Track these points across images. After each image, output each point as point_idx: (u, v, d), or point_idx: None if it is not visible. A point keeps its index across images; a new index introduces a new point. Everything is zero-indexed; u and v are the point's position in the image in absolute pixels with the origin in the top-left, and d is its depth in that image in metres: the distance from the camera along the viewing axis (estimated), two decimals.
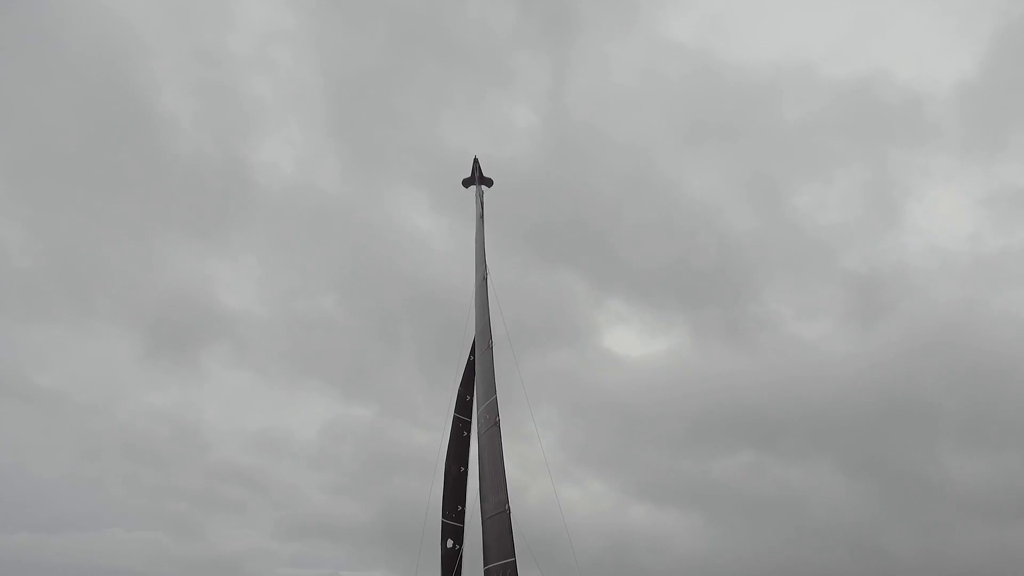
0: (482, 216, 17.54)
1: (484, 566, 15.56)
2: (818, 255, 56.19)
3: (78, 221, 55.22)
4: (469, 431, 17.26)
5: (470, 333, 17.36)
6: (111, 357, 56.90)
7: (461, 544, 17.01)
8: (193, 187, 55.73)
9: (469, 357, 17.40)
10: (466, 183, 19.20)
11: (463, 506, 17.15)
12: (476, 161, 18.91)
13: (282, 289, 58.29)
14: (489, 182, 18.83)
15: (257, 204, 56.60)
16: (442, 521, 17.01)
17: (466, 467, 17.18)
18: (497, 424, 14.68)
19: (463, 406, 17.47)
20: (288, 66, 60.83)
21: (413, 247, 55.05)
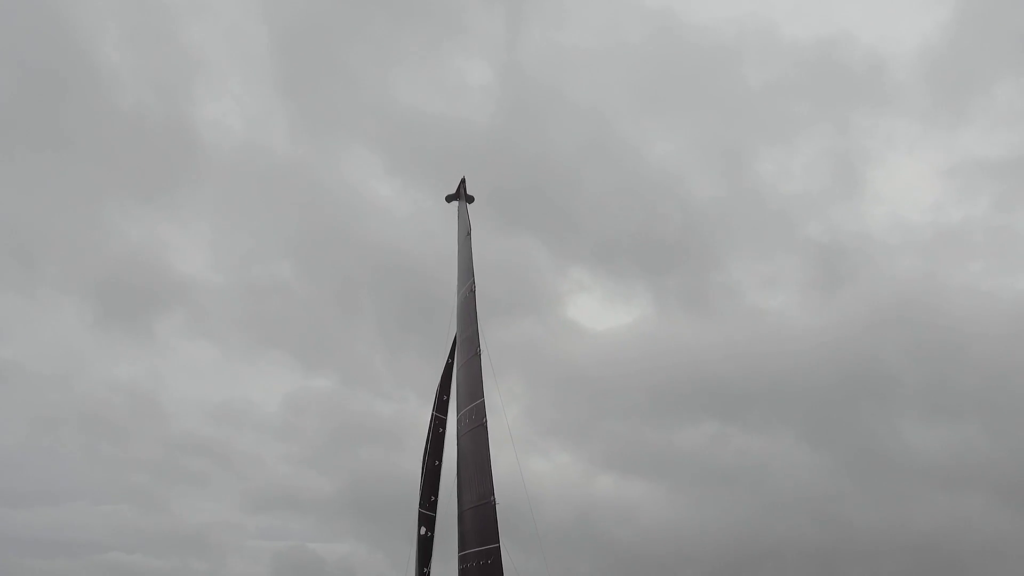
0: (468, 233, 18.65)
1: (459, 552, 16.96)
2: (780, 224, 54.69)
3: (19, 182, 49.76)
4: (445, 428, 18.63)
5: (449, 337, 18.65)
6: (63, 326, 52.54)
7: (433, 531, 18.36)
8: (136, 146, 51.15)
9: (448, 360, 18.68)
10: (449, 199, 20.29)
11: (436, 497, 18.49)
12: (463, 181, 20.02)
13: (236, 255, 55.28)
14: (471, 199, 19.96)
15: (205, 165, 52.71)
16: (419, 511, 18.29)
17: (440, 461, 18.52)
18: (483, 425, 16.05)
19: (440, 405, 18.80)
20: (231, 15, 56.50)
21: (369, 212, 53.19)
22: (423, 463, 18.65)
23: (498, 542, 15.40)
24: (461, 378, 17.75)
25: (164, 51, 53.30)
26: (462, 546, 16.91)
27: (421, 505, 18.34)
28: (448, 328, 18.83)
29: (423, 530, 18.24)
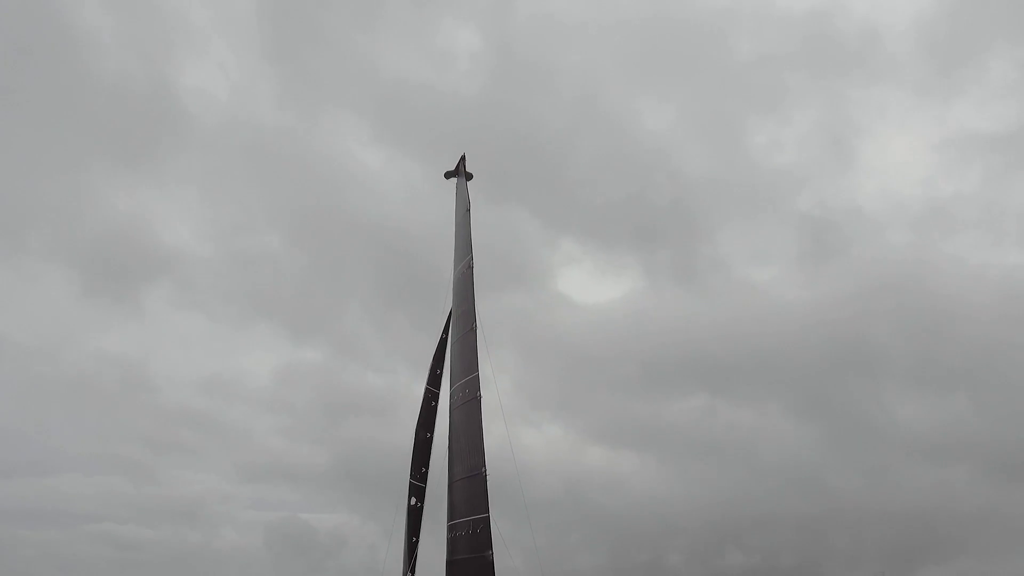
0: (468, 210, 18.89)
1: (448, 521, 17.40)
2: (772, 196, 53.75)
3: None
4: (437, 401, 19.02)
5: (444, 313, 18.97)
6: (49, 297, 51.42)
7: (423, 502, 18.79)
8: (119, 113, 49.85)
9: (442, 335, 19.03)
10: (448, 175, 20.51)
11: (426, 468, 18.89)
12: (463, 158, 20.23)
13: (223, 226, 54.42)
14: (470, 176, 20.17)
15: (189, 133, 51.52)
16: (409, 482, 18.69)
17: (432, 434, 18.91)
18: (478, 398, 16.43)
19: (433, 379, 19.16)
20: None
21: (357, 182, 52.50)
22: (415, 435, 19.03)
23: (487, 512, 15.83)
24: (455, 353, 18.10)
25: (146, 16, 51.92)
26: (451, 516, 17.34)
27: (412, 476, 18.74)
28: (443, 303, 19.14)
29: (413, 500, 18.66)
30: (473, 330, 17.02)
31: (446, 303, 19.06)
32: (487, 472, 15.97)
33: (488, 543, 15.51)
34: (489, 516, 15.83)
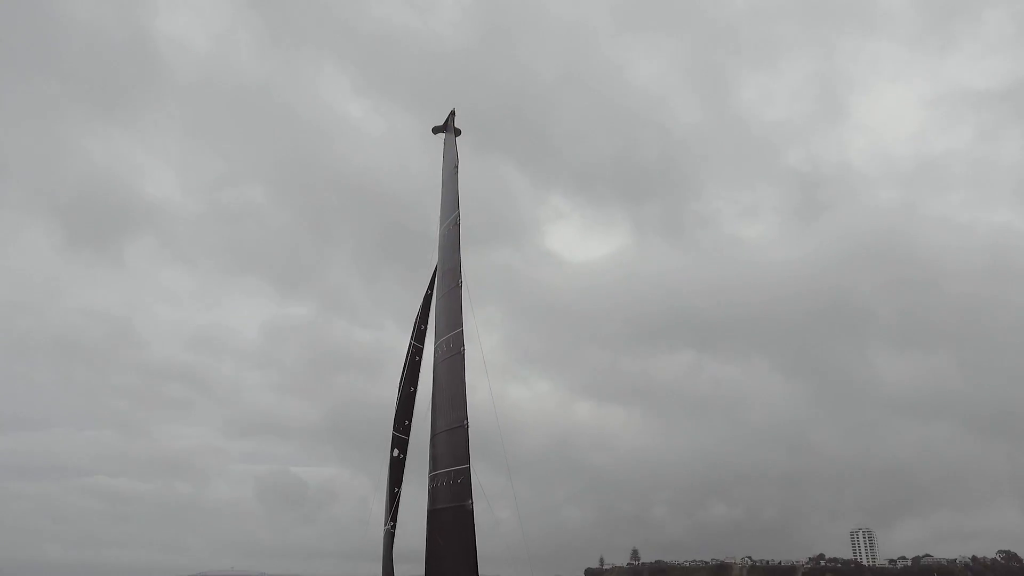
0: (456, 166, 18.75)
1: (430, 472, 17.86)
2: (762, 152, 55.72)
3: None
4: (421, 356, 19.29)
5: (430, 268, 19.06)
6: (31, 251, 50.33)
7: (405, 454, 19.24)
8: (94, 61, 48.16)
9: (427, 291, 19.18)
10: (436, 131, 20.20)
11: (409, 421, 19.30)
12: (452, 113, 19.89)
13: (205, 178, 53.53)
14: (459, 132, 19.93)
15: (167, 82, 50.08)
16: (392, 434, 19.08)
17: (415, 389, 19.24)
18: (461, 353, 16.72)
19: (418, 334, 19.37)
20: None
21: (340, 134, 51.78)
22: (399, 389, 19.36)
23: (468, 463, 16.28)
24: (440, 309, 18.31)
25: None
26: (433, 467, 17.78)
27: (395, 429, 19.14)
28: (429, 258, 19.26)
29: (396, 452, 19.10)
30: (458, 286, 17.20)
31: (432, 259, 19.20)
32: (468, 424, 16.37)
33: (468, 493, 15.99)
34: (470, 467, 16.27)
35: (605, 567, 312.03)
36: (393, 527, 18.53)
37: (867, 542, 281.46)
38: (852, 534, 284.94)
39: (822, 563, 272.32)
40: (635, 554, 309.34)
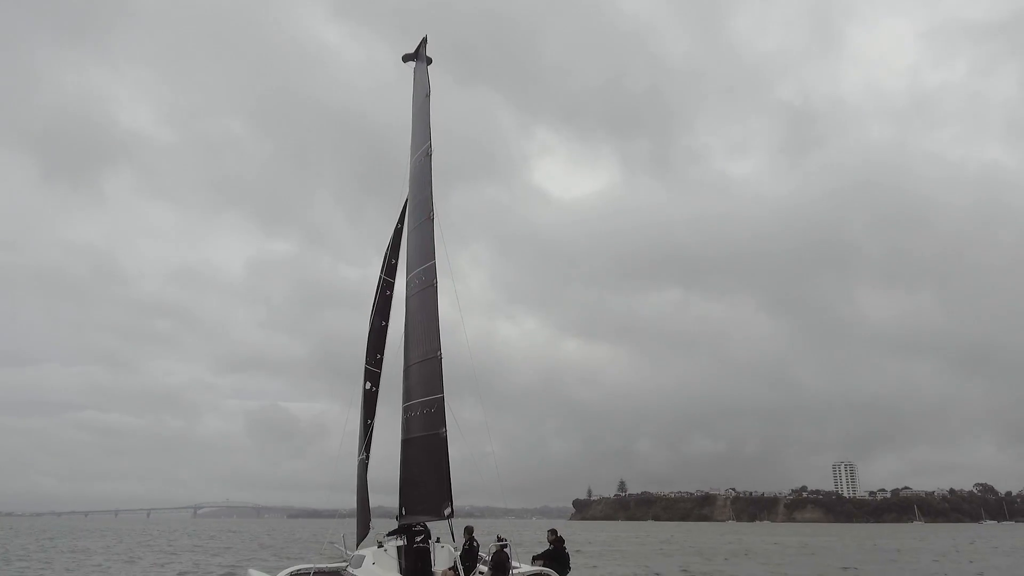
0: (427, 95, 18.36)
1: (404, 403, 18.05)
2: (753, 84, 54.16)
3: None
4: (392, 291, 19.27)
5: (400, 201, 18.84)
6: (6, 185, 49.27)
7: (378, 387, 19.40)
8: None
9: (397, 225, 19.03)
10: (406, 59, 19.78)
11: (381, 355, 19.40)
12: (424, 40, 19.43)
13: (182, 109, 52.18)
14: (429, 61, 19.47)
15: (140, 8, 48.07)
16: (364, 367, 19.22)
17: (387, 322, 19.29)
18: (434, 286, 16.68)
19: (389, 268, 19.33)
20: None
21: (319, 62, 50.34)
22: (370, 323, 19.41)
23: (442, 392, 16.43)
24: (412, 242, 18.16)
25: None
26: (407, 397, 17.93)
27: (367, 362, 19.26)
28: (400, 192, 19.02)
29: (368, 385, 19.26)
30: (430, 219, 17.02)
31: (403, 191, 18.96)
32: (441, 355, 16.45)
33: (441, 421, 16.19)
34: (443, 396, 16.43)
35: (593, 498, 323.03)
36: (367, 457, 18.81)
37: (848, 475, 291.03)
38: (834, 467, 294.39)
39: (804, 494, 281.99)
40: (622, 485, 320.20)
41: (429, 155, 17.54)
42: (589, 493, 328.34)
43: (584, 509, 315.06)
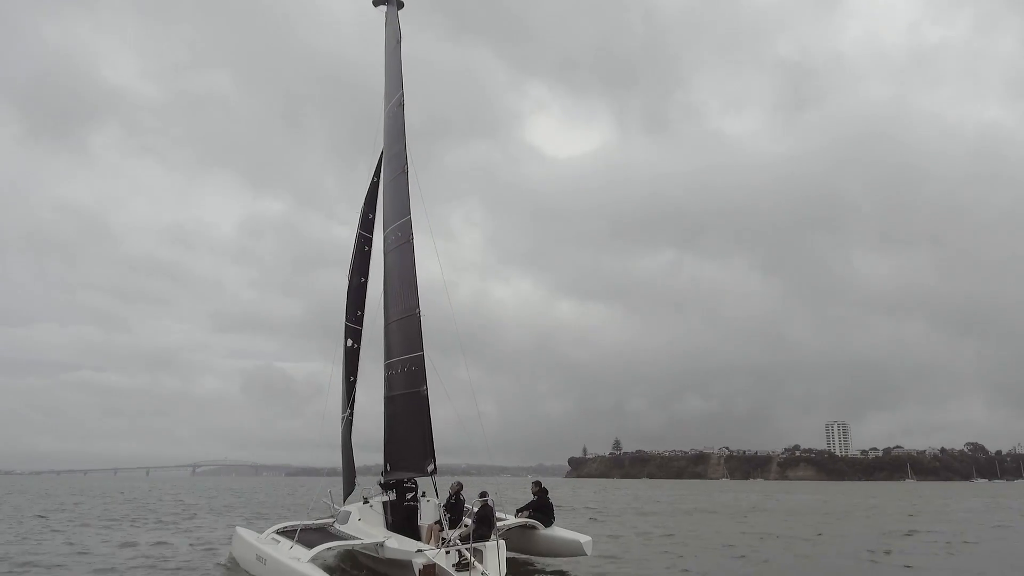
0: (399, 41, 17.76)
1: (385, 360, 17.91)
2: (751, 39, 52.42)
3: None
4: (370, 246, 18.94)
5: (375, 154, 18.36)
6: None
7: (359, 343, 19.23)
8: None
9: (373, 178, 18.59)
10: (376, 3, 19.10)
11: (362, 312, 19.17)
12: None
13: (167, 63, 50.77)
14: (401, 5, 18.79)
15: None
16: (345, 324, 19.01)
17: (366, 278, 19.01)
18: (410, 242, 16.36)
19: (366, 223, 18.96)
20: None
21: (306, 13, 49.06)
22: (348, 279, 19.15)
23: (422, 350, 16.26)
24: (388, 196, 17.79)
25: None
26: (388, 355, 17.79)
27: (347, 319, 19.04)
28: (375, 144, 18.54)
29: (349, 342, 19.08)
30: (404, 173, 16.61)
31: (377, 143, 18.47)
32: (421, 313, 16.23)
33: (422, 379, 16.06)
34: (423, 354, 16.27)
35: (588, 456, 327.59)
36: (351, 414, 18.73)
37: (841, 434, 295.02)
38: (827, 426, 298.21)
39: (797, 453, 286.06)
40: (617, 444, 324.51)
41: (402, 105, 17.05)
42: (584, 451, 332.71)
43: (579, 467, 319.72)
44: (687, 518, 36.04)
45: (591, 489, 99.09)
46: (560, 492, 72.18)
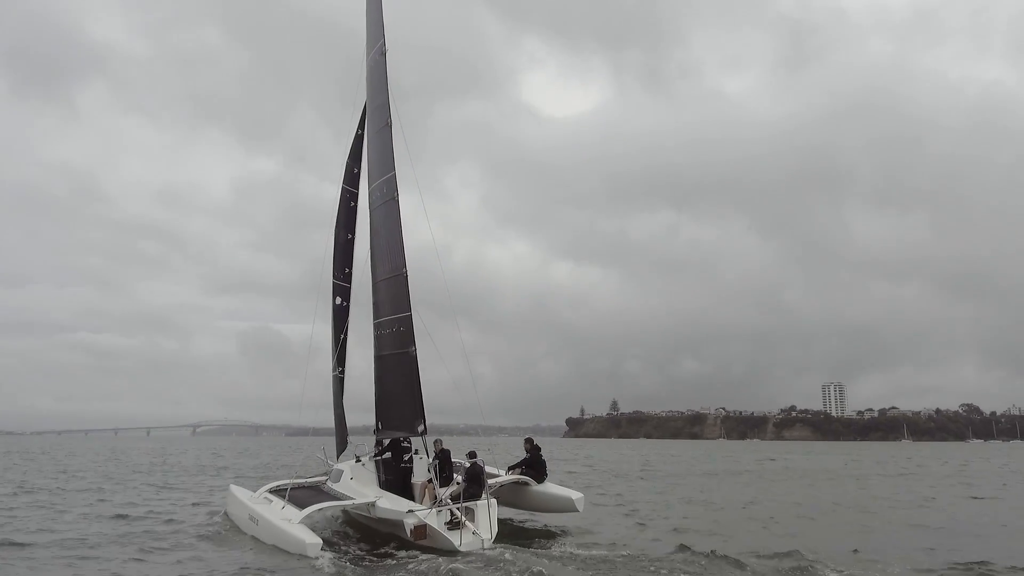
0: None
1: (374, 319, 17.64)
2: None
3: None
4: (356, 201, 18.49)
5: (358, 104, 17.73)
6: None
7: (348, 301, 18.94)
8: None
9: (357, 131, 18.04)
10: None
11: (350, 269, 18.82)
12: None
13: (154, 18, 49.35)
14: None
15: None
16: (333, 282, 18.69)
17: (353, 235, 18.61)
18: (395, 199, 15.90)
19: (351, 178, 18.46)
20: None
21: None
22: (335, 236, 18.76)
23: (410, 310, 15.97)
24: (372, 151, 17.25)
25: None
26: (377, 314, 17.53)
27: (335, 277, 18.71)
28: (358, 95, 17.90)
29: (338, 300, 18.79)
30: (388, 126, 16.06)
31: (361, 94, 17.84)
32: (407, 273, 15.91)
33: (411, 339, 15.81)
34: (411, 314, 16.00)
35: (586, 416, 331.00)
36: (342, 372, 18.56)
37: (838, 395, 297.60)
38: (824, 387, 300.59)
39: (793, 414, 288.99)
40: (614, 405, 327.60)
41: (383, 53, 16.40)
42: (582, 412, 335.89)
43: (577, 427, 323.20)
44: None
45: (595, 448, 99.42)
46: (564, 454, 72.26)
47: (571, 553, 12.35)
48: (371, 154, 17.30)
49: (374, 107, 17.14)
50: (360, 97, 17.98)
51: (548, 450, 18.69)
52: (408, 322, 16.03)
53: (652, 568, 10.84)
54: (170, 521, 17.08)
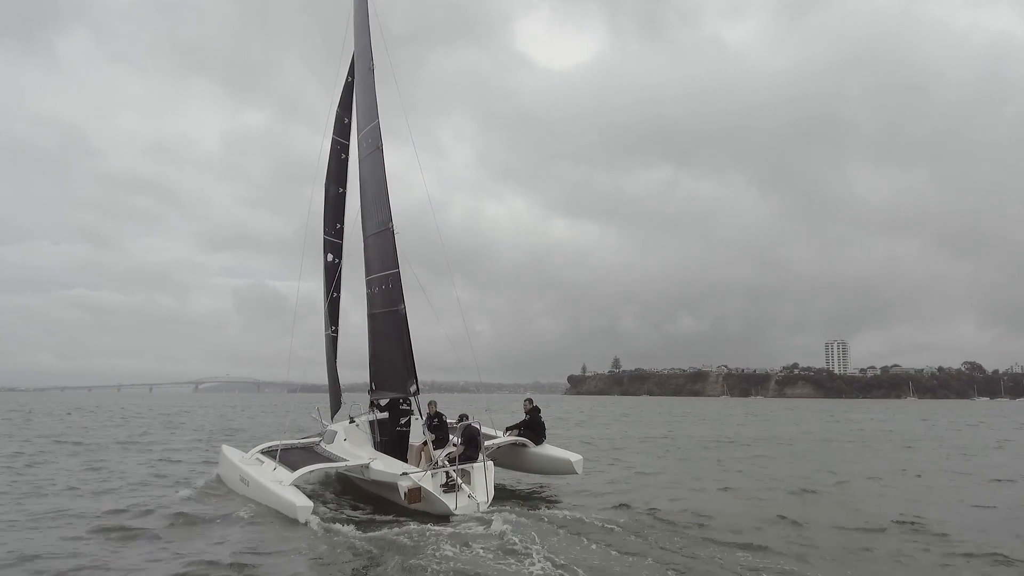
0: None
1: (366, 277, 17.10)
2: None
3: None
4: (347, 153, 17.73)
5: (348, 51, 16.86)
6: None
7: (340, 258, 18.37)
8: None
9: (347, 78, 17.20)
10: None
11: (341, 224, 18.19)
12: None
13: None
14: None
15: None
16: (323, 238, 18.08)
17: (344, 188, 17.91)
18: (379, 149, 15.19)
19: (341, 128, 17.68)
20: None
21: None
22: (324, 190, 18.08)
23: (397, 267, 15.43)
24: (359, 98, 16.44)
25: None
26: (368, 271, 16.99)
27: (325, 232, 18.10)
28: (345, 40, 16.99)
29: (330, 257, 18.22)
30: (371, 71, 15.21)
31: (348, 40, 16.93)
32: (394, 228, 15.29)
33: (400, 297, 15.28)
34: (399, 271, 15.46)
35: (587, 374, 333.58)
36: (335, 331, 18.07)
37: (841, 353, 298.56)
38: (827, 345, 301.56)
39: (795, 371, 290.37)
40: (616, 362, 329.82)
41: None
42: (583, 369, 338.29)
43: (579, 384, 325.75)
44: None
45: (603, 408, 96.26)
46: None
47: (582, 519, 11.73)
48: (358, 102, 16.50)
49: (358, 50, 16.28)
50: (349, 42, 17.09)
51: (550, 412, 18.07)
52: (396, 279, 15.47)
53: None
54: (168, 478, 16.78)
